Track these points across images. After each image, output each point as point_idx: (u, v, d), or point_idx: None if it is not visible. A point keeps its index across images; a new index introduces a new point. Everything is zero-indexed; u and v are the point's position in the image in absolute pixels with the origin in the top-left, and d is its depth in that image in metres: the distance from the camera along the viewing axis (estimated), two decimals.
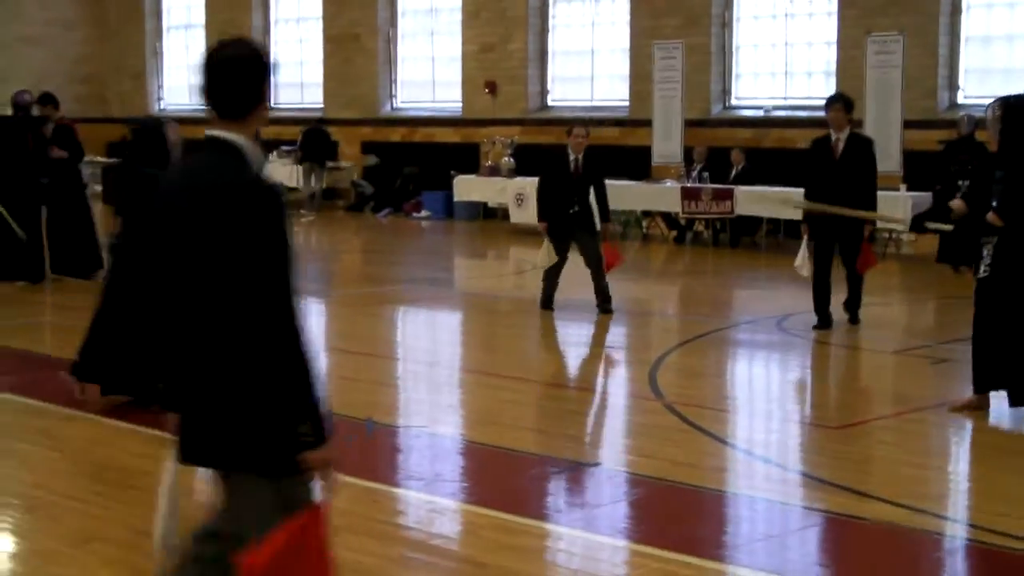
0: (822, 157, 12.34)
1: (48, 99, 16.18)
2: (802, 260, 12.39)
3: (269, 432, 4.08)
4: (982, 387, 9.09)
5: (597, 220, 13.83)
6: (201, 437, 4.15)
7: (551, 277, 13.62)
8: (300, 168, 27.21)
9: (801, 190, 12.84)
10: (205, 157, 4.16)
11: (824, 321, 12.42)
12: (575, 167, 13.57)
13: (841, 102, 12.40)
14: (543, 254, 13.62)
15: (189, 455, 4.23)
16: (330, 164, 27.77)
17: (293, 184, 26.96)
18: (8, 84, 31.45)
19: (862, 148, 12.47)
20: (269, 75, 4.23)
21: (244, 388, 4.03)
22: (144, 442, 8.36)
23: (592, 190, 13.62)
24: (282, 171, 27.18)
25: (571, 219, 13.45)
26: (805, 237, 12.41)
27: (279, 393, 4.05)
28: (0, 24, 31.92)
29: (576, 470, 7.85)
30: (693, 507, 7.20)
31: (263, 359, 4.01)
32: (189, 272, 4.06)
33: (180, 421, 4.21)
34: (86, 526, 6.67)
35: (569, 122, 15.95)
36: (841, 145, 12.27)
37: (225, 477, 4.22)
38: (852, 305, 12.70)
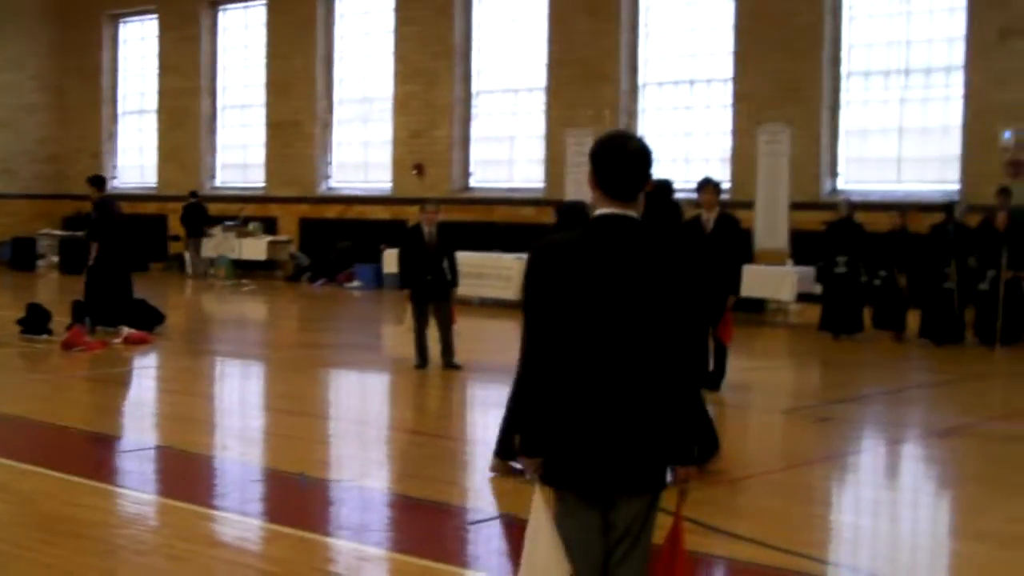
0: (695, 235, 12.40)
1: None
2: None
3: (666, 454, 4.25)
4: None
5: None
6: (633, 468, 4.19)
7: (419, 338, 13.91)
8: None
9: None
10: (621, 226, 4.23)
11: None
12: (429, 239, 13.71)
13: (711, 184, 12.58)
14: (407, 318, 13.94)
15: (615, 485, 4.21)
16: (269, 237, 27.83)
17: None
18: None
19: (730, 226, 12.57)
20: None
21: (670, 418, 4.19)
22: (91, 493, 8.23)
23: (445, 259, 13.85)
24: (225, 244, 27.27)
25: (427, 285, 13.67)
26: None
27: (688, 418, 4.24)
28: None
29: (496, 520, 7.80)
30: None
31: (682, 389, 4.20)
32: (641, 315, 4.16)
33: (592, 456, 4.18)
34: (33, 574, 6.51)
35: (489, 201, 16.07)
36: (711, 224, 12.39)
37: (626, 501, 4.23)
38: (718, 375, 12.44)
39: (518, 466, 7.03)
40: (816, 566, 6.82)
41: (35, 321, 16.48)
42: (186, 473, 9.31)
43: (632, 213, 4.22)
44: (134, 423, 11.66)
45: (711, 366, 12.22)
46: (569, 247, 4.23)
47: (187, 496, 8.28)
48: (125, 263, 17.17)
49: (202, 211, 28.57)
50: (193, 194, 28.88)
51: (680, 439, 4.21)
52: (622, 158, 4.22)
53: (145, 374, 14.85)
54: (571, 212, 8.88)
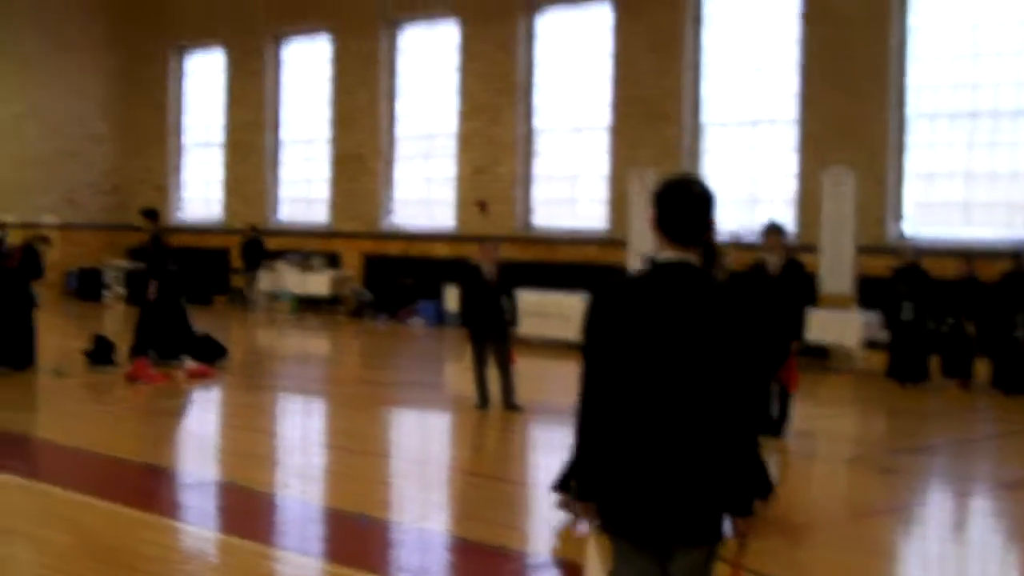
0: (759, 279, 12.28)
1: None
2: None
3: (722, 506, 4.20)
4: None
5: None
6: (688, 517, 4.16)
7: (479, 378, 13.87)
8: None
9: None
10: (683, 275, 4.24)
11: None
12: (489, 277, 13.68)
13: (775, 228, 12.42)
14: (467, 357, 14.03)
15: (671, 535, 4.19)
16: (332, 272, 28.04)
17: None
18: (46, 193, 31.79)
19: (796, 271, 12.43)
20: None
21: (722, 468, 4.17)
22: (150, 527, 8.26)
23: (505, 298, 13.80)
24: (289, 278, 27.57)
25: (486, 324, 13.67)
26: None
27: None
28: (41, 139, 32.16)
29: (554, 565, 7.74)
30: None
31: (740, 439, 4.17)
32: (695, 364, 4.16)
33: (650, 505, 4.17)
34: None
35: (552, 241, 16.02)
36: (777, 268, 12.20)
37: (683, 551, 4.20)
38: (782, 421, 12.27)
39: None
40: None
41: (101, 352, 16.69)
42: (245, 509, 9.34)
43: (692, 258, 4.20)
44: (194, 457, 11.73)
45: (776, 412, 12.11)
46: (629, 291, 4.25)
47: (246, 533, 8.30)
48: (180, 295, 17.34)
49: (260, 245, 28.86)
50: (253, 228, 29.15)
51: (738, 489, 4.17)
52: (685, 201, 4.23)
53: (207, 408, 14.96)
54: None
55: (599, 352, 4.19)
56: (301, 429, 14.07)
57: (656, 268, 4.23)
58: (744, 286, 4.70)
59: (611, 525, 4.22)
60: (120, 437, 12.20)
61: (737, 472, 4.15)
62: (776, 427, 12.04)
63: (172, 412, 14.08)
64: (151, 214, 17.54)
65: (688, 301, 4.14)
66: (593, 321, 4.23)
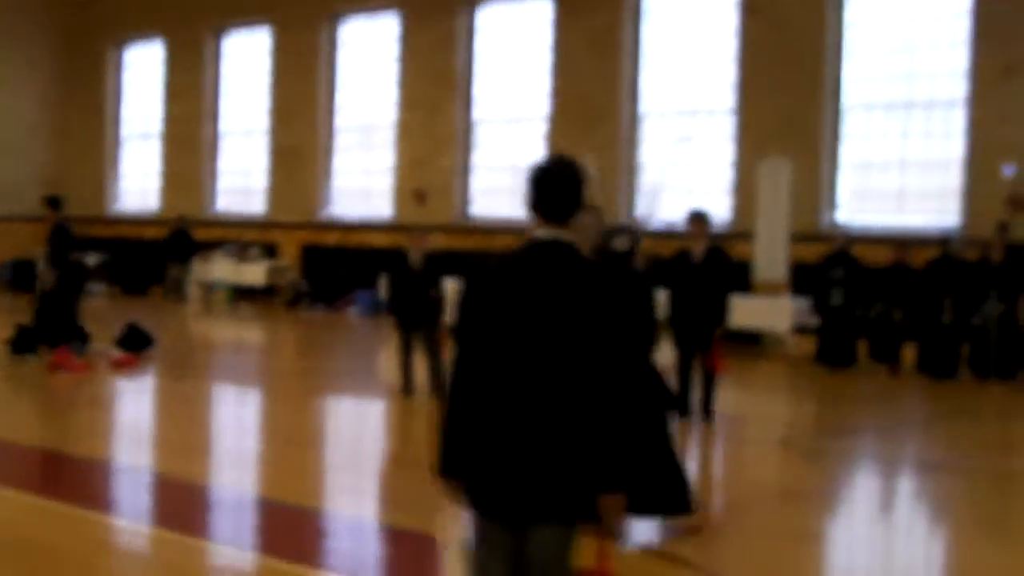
0: (683, 265, 12.55)
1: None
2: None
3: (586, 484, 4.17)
4: None
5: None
6: (543, 496, 4.14)
7: (404, 366, 13.84)
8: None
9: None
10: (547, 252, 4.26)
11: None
12: (415, 266, 13.72)
13: (699, 216, 12.68)
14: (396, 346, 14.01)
15: (525, 513, 4.16)
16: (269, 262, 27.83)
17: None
18: None
19: (718, 258, 12.65)
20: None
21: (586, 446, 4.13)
22: (80, 523, 8.11)
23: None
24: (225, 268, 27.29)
25: (412, 312, 13.65)
26: None
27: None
28: None
29: None
30: None
31: (608, 419, 4.13)
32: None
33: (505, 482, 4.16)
34: None
35: (490, 230, 15.99)
36: (700, 255, 12.48)
37: (539, 531, 4.17)
38: (706, 405, 12.49)
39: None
40: None
41: (22, 342, 16.39)
42: (172, 500, 9.18)
43: (566, 237, 4.27)
44: (119, 446, 11.54)
45: (702, 395, 12.22)
46: (500, 270, 4.30)
47: (175, 525, 8.14)
48: (80, 287, 16.98)
49: (187, 236, 28.75)
50: (180, 219, 28.97)
51: (605, 468, 4.14)
52: (553, 180, 4.32)
53: (131, 397, 14.73)
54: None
55: (470, 331, 4.25)
56: (231, 418, 13.88)
57: (528, 247, 4.29)
58: (615, 267, 4.75)
59: (470, 501, 4.25)
60: (44, 427, 11.99)
61: (604, 452, 4.12)
62: (683, 404, 12.17)
63: (96, 402, 13.85)
64: (53, 202, 16.91)
65: (555, 279, 4.19)
66: (465, 301, 4.30)
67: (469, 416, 4.21)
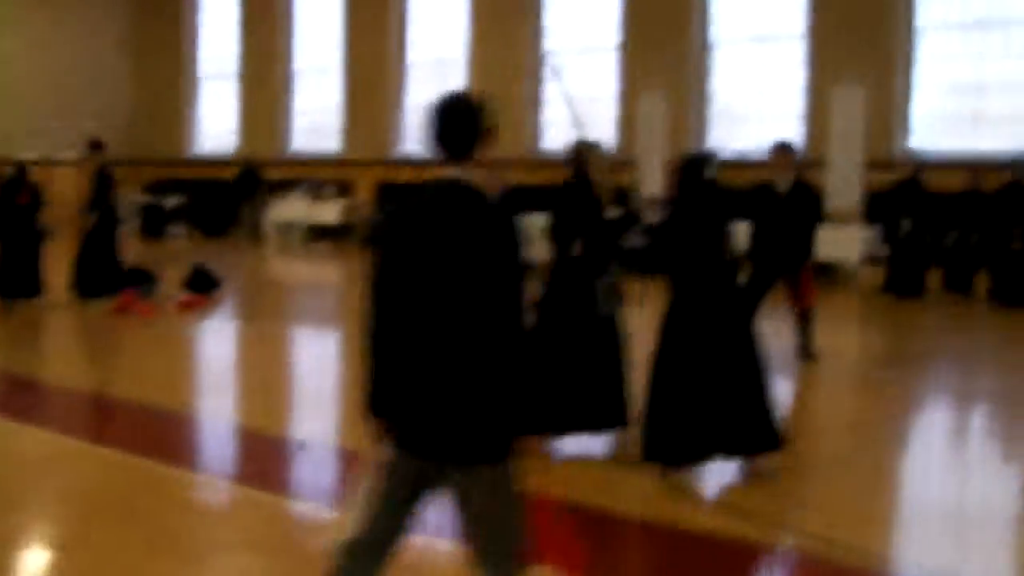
0: (767, 199, 12.01)
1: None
2: None
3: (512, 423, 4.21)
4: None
5: None
6: (457, 437, 4.16)
7: None
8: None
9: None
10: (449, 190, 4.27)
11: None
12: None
13: (783, 147, 12.04)
14: None
15: (441, 453, 4.19)
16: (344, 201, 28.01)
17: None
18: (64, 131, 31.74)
19: (804, 192, 12.05)
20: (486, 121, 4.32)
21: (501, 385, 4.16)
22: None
23: None
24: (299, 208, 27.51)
25: None
26: None
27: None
28: (56, 76, 32.07)
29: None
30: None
31: (506, 359, 4.14)
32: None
33: (433, 422, 4.18)
34: None
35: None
36: (785, 188, 11.89)
37: (469, 471, 4.19)
38: (805, 347, 12.18)
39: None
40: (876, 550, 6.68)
41: (89, 284, 16.49)
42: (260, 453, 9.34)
43: (467, 175, 4.25)
44: (187, 393, 11.73)
45: (798, 338, 11.99)
46: (408, 209, 4.26)
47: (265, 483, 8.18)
48: (115, 229, 16.96)
49: (255, 176, 28.97)
50: (246, 161, 29.20)
51: (499, 409, 4.14)
52: (451, 115, 4.27)
53: (205, 339, 14.88)
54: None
55: (375, 271, 4.25)
56: (307, 360, 13.96)
57: (429, 186, 4.28)
58: (513, 204, 4.88)
59: (393, 437, 4.24)
60: (115, 373, 12.22)
61: (498, 393, 4.12)
62: (804, 353, 11.96)
63: (167, 343, 13.96)
64: (96, 145, 17.07)
65: (456, 217, 4.17)
66: (376, 241, 4.30)
67: (387, 355, 4.22)
